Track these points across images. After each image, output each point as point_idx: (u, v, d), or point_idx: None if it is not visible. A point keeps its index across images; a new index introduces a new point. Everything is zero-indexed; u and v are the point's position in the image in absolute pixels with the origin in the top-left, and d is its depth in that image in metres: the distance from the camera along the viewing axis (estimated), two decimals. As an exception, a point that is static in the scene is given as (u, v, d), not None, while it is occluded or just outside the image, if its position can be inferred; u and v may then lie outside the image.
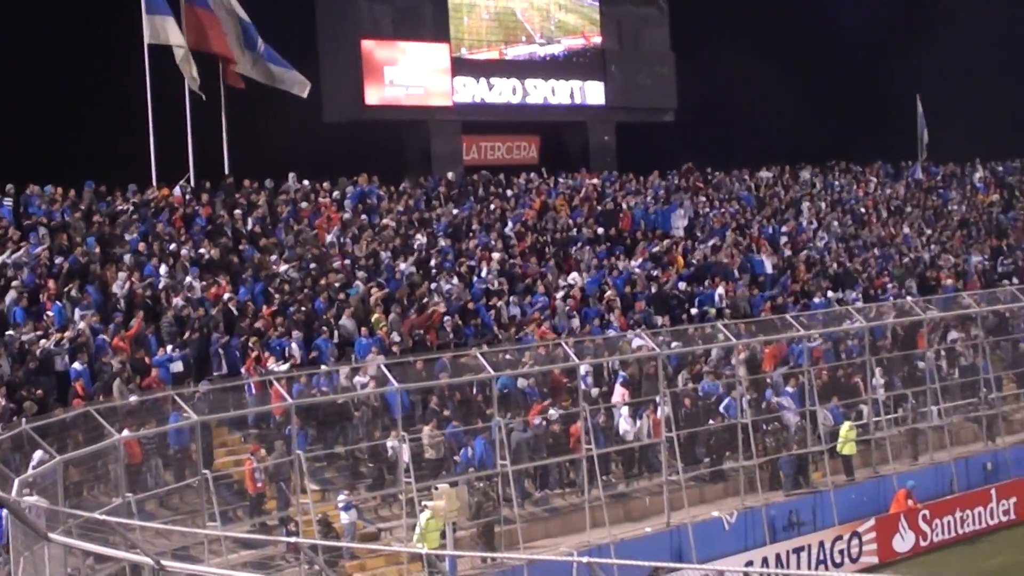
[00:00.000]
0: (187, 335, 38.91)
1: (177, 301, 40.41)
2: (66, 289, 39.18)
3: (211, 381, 37.38)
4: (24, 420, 31.49)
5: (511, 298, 46.54)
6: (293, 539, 28.04)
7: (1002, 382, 50.50)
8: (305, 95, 51.42)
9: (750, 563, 37.58)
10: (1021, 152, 75.91)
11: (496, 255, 49.20)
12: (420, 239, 49.56)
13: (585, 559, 26.73)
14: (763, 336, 45.43)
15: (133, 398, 34.49)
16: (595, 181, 60.03)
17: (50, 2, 52.04)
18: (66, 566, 22.06)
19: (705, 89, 66.79)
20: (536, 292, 47.46)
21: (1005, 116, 73.70)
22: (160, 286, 41.24)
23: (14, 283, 38.49)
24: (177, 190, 47.90)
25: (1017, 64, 73.03)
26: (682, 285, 50.73)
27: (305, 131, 55.33)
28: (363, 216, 50.69)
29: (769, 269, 54.26)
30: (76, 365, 35.71)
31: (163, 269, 42.53)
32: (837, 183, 68.09)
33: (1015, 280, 57.96)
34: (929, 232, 63.79)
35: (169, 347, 38.03)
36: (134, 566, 22.65)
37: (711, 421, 42.40)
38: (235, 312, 40.86)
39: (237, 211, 47.96)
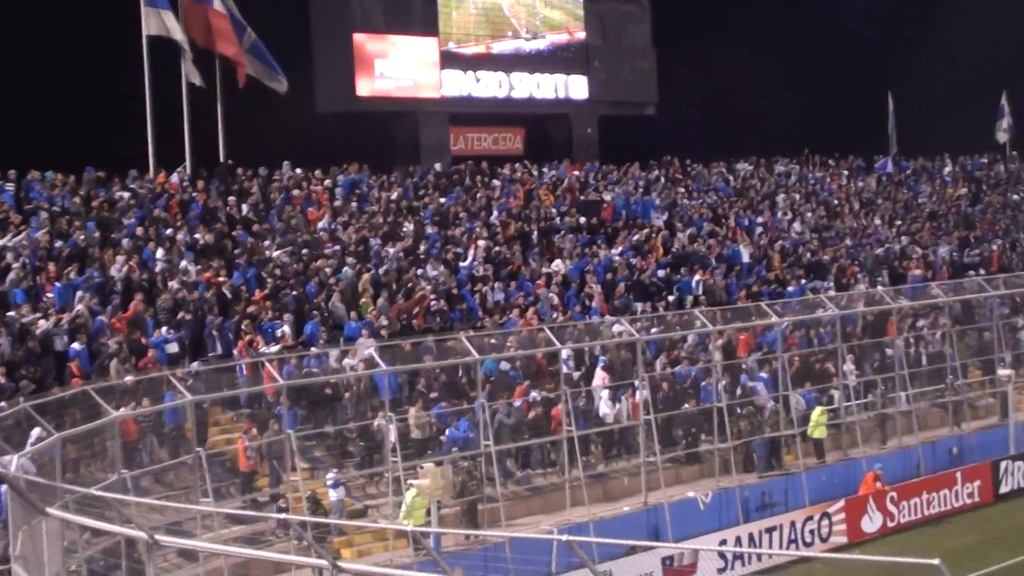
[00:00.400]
0: (182, 317, 38.85)
1: (173, 284, 40.38)
2: (66, 272, 39.13)
3: (205, 362, 37.40)
4: (22, 398, 31.48)
5: (496, 284, 46.55)
6: (283, 515, 27.93)
7: (968, 369, 50.59)
8: (283, 92, 51.25)
9: (724, 542, 37.62)
10: (988, 148, 76.11)
11: (482, 242, 49.23)
12: (408, 226, 49.56)
13: (564, 537, 26.83)
14: (738, 323, 45.44)
15: (129, 378, 34.45)
16: (578, 172, 60.09)
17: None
18: (63, 539, 22.03)
19: (685, 84, 66.83)
20: (520, 278, 47.49)
21: (974, 114, 74.02)
22: (157, 270, 41.24)
23: (14, 265, 38.43)
24: (175, 177, 47.83)
25: (986, 64, 73.03)
26: (661, 273, 50.78)
27: (298, 121, 55.33)
28: (353, 204, 50.72)
29: (746, 258, 54.31)
30: (75, 345, 35.67)
31: (160, 253, 42.51)
32: (811, 176, 68.19)
33: (981, 271, 58.08)
34: (899, 224, 63.84)
35: (165, 329, 38.00)
36: (129, 540, 22.66)
37: (687, 404, 42.36)
38: (229, 295, 40.86)
39: (231, 198, 47.96)
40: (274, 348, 38.30)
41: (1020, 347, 52.99)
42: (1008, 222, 67.19)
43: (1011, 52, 73.19)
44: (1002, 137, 76.32)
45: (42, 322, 36.03)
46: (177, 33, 48.66)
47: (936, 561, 13.05)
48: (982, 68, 73.03)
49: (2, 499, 26.81)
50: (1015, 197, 71.22)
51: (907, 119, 74.36)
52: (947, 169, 73.43)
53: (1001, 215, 68.13)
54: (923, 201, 68.23)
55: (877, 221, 63.51)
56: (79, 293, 38.14)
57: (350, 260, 45.16)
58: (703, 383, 42.88)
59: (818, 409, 44.16)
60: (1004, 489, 45.50)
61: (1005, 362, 50.89)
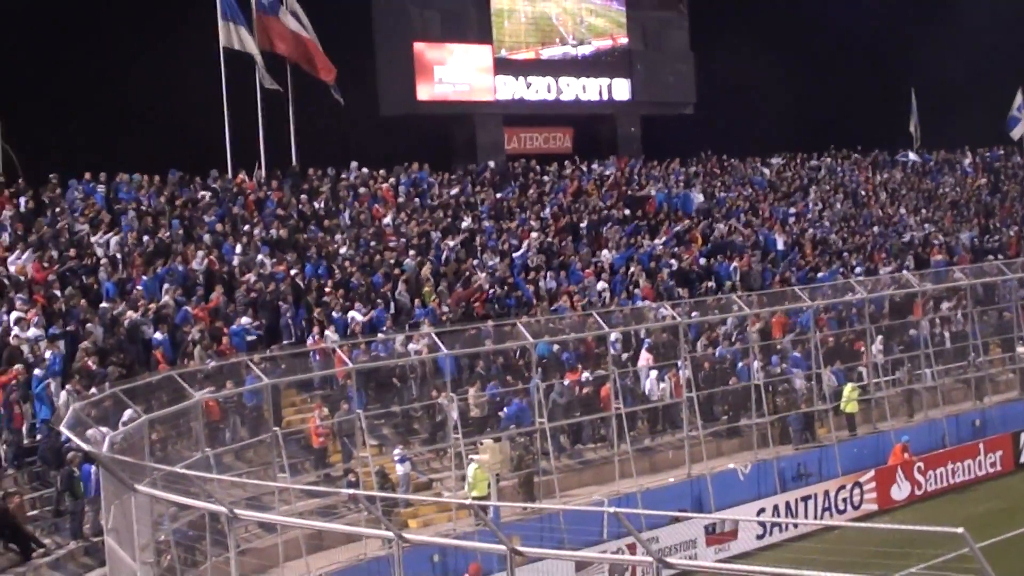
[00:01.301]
0: (259, 307, 38.95)
1: (250, 276, 40.49)
2: (152, 266, 39.29)
3: (281, 348, 37.48)
4: (108, 384, 31.62)
5: (548, 273, 46.51)
6: (352, 491, 28.01)
7: (989, 347, 50.26)
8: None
9: (762, 510, 37.50)
10: (1006, 141, 75.54)
11: (534, 234, 49.20)
12: (466, 220, 49.56)
13: (612, 509, 26.79)
14: (773, 306, 45.28)
15: (211, 363, 34.57)
16: (623, 168, 59.97)
17: (137, 10, 52.08)
18: (152, 513, 22.12)
19: (721, 84, 66.62)
20: (570, 267, 47.43)
21: (994, 108, 73.54)
22: (235, 263, 41.37)
23: (103, 262, 38.60)
24: (252, 175, 48.05)
25: (1004, 60, 72.45)
26: (701, 261, 50.66)
27: (364, 124, 55.53)
28: (415, 200, 50.72)
29: (780, 246, 54.13)
30: (158, 335, 35.78)
31: (238, 248, 42.64)
32: (840, 169, 67.84)
33: (1000, 255, 57.71)
34: (923, 212, 63.48)
35: (244, 318, 38.07)
36: (212, 513, 22.72)
37: (727, 382, 42.29)
38: (301, 286, 40.92)
39: (303, 196, 48.06)
40: (333, 337, 38.33)
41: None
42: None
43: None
44: (1017, 133, 75.52)
45: (131, 313, 36.17)
46: (250, 46, 48.86)
47: (960, 530, 12.87)
48: (999, 65, 72.36)
49: (96, 476, 26.96)
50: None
51: (928, 114, 73.86)
52: (967, 161, 72.91)
53: (1019, 203, 67.60)
54: (945, 191, 67.77)
55: (902, 210, 63.13)
56: (164, 285, 38.31)
57: (412, 252, 45.18)
58: (741, 363, 42.73)
59: (849, 385, 43.94)
60: (1024, 459, 45.28)
61: (1024, 340, 50.63)
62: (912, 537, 36.50)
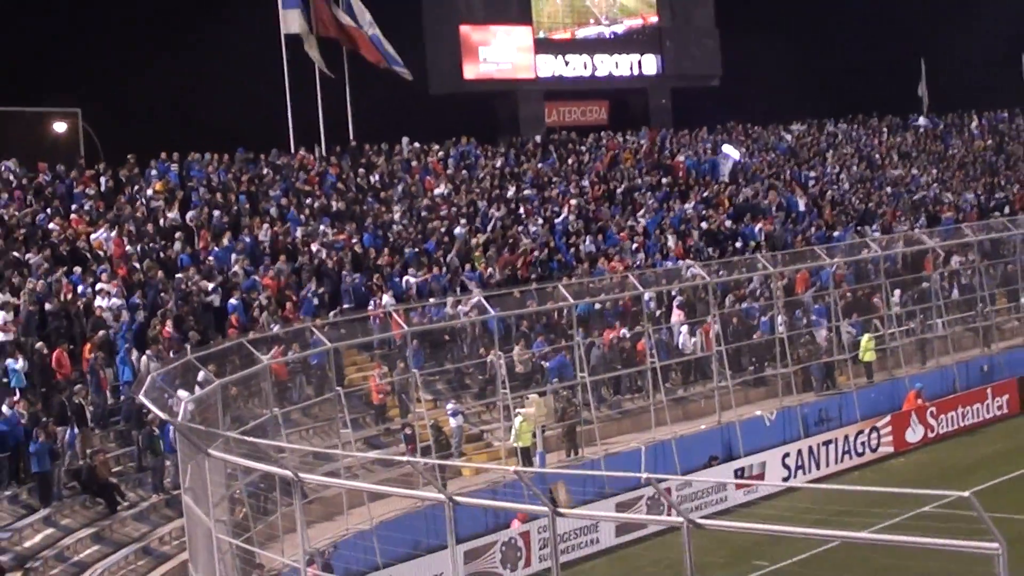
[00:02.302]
0: (321, 274, 38.88)
1: (313, 246, 40.41)
2: (222, 238, 39.28)
3: (342, 312, 37.39)
4: (188, 348, 31.65)
5: (587, 237, 46.29)
6: (408, 459, 27.85)
7: (995, 298, 49.84)
8: (408, 79, 51.30)
9: (787, 455, 37.23)
10: (1010, 104, 74.79)
11: (574, 201, 48.98)
12: (511, 190, 49.36)
13: (644, 475, 26.51)
14: (796, 264, 44.98)
15: (276, 328, 34.52)
16: (654, 137, 59.65)
17: (205, 2, 52.25)
18: (225, 472, 22.08)
19: (744, 58, 66.12)
20: (608, 231, 47.20)
21: (998, 73, 72.88)
22: (298, 234, 41.29)
23: (177, 235, 38.62)
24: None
25: (1009, 29, 71.65)
26: (728, 223, 50.32)
27: (415, 102, 55.60)
28: (463, 171, 50.55)
29: (801, 208, 53.72)
30: (231, 301, 35.75)
31: (301, 219, 42.57)
32: (856, 134, 67.29)
33: (1006, 211, 57.20)
34: (934, 173, 62.91)
35: (307, 284, 37.99)
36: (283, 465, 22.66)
37: (754, 336, 42.02)
38: (360, 254, 40.81)
39: (360, 170, 47.94)
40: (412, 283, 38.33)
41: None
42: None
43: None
44: None
45: (203, 282, 36.15)
46: (306, 30, 48.80)
47: (967, 493, 12.56)
48: (1005, 34, 71.58)
49: (171, 437, 26.95)
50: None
51: (938, 80, 73.20)
52: (974, 124, 72.20)
53: (1022, 163, 66.92)
54: (953, 152, 67.13)
55: (914, 171, 62.56)
56: (234, 256, 38.28)
57: (462, 221, 45.03)
58: (766, 317, 42.45)
59: (866, 336, 43.62)
60: (1030, 401, 44.90)
61: (1028, 290, 50.24)
62: (926, 475, 36.50)
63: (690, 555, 13.90)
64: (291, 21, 48.78)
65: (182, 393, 25.93)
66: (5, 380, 29.29)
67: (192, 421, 22.91)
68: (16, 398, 28.59)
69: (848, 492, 20.79)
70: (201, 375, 28.05)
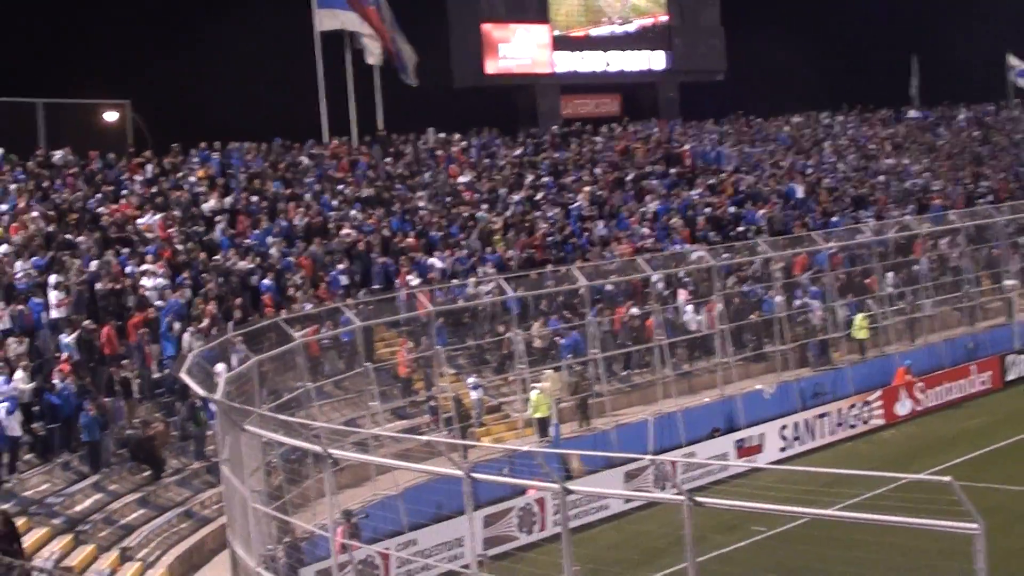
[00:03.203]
0: (353, 256, 38.79)
1: (345, 230, 40.30)
2: (260, 221, 39.21)
3: (371, 292, 37.32)
4: (232, 325, 31.62)
5: (600, 222, 46.12)
6: (428, 439, 27.70)
7: (980, 280, 49.51)
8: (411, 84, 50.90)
9: (785, 426, 37.02)
10: (996, 97, 74.41)
11: (588, 188, 48.78)
12: (529, 177, 49.18)
13: (648, 457, 26.28)
14: (794, 248, 44.75)
15: (309, 306, 34.46)
16: (664, 128, 59.43)
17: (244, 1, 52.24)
18: (260, 446, 22.01)
19: (748, 54, 65.84)
20: (619, 216, 47.02)
21: (983, 68, 72.58)
22: (331, 217, 41.19)
23: (218, 219, 38.57)
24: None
25: (994, 27, 71.28)
26: (732, 208, 50.10)
27: (440, 95, 55.50)
28: (485, 160, 50.41)
29: (800, 194, 53.43)
30: (266, 281, 35.68)
31: (333, 204, 42.48)
32: (851, 125, 66.95)
33: (990, 199, 56.88)
34: (924, 162, 62.55)
35: (339, 265, 37.92)
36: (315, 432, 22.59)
37: (754, 315, 41.84)
38: (389, 237, 40.70)
39: (389, 158, 47.82)
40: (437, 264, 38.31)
41: (1022, 261, 51.77)
42: (1012, 159, 65.59)
43: (1013, 17, 71.66)
44: (1017, 82, 74.36)
45: (242, 263, 36.10)
46: (352, 25, 48.66)
47: (948, 479, 12.40)
48: (991, 33, 71.20)
49: (212, 411, 26.89)
50: (1017, 137, 69.54)
51: (928, 74, 72.80)
52: (962, 115, 71.76)
53: (1006, 153, 66.53)
54: (942, 143, 66.71)
55: (906, 161, 62.20)
56: (270, 239, 38.21)
57: (484, 206, 44.88)
58: (766, 297, 42.26)
59: (860, 315, 43.42)
60: (1010, 377, 44.43)
61: (1010, 273, 49.77)
62: (914, 446, 36.27)
63: (690, 531, 13.78)
64: (326, 19, 48.62)
65: (220, 368, 25.92)
66: (58, 355, 29.26)
67: (230, 395, 22.86)
68: (67, 370, 28.54)
69: (833, 474, 20.57)
70: (239, 353, 28.04)
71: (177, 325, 32.00)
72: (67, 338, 29.51)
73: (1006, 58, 74.10)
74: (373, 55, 49.55)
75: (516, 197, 46.29)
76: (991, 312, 49.30)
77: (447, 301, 37.09)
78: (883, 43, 72.53)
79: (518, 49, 59.08)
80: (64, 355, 29.04)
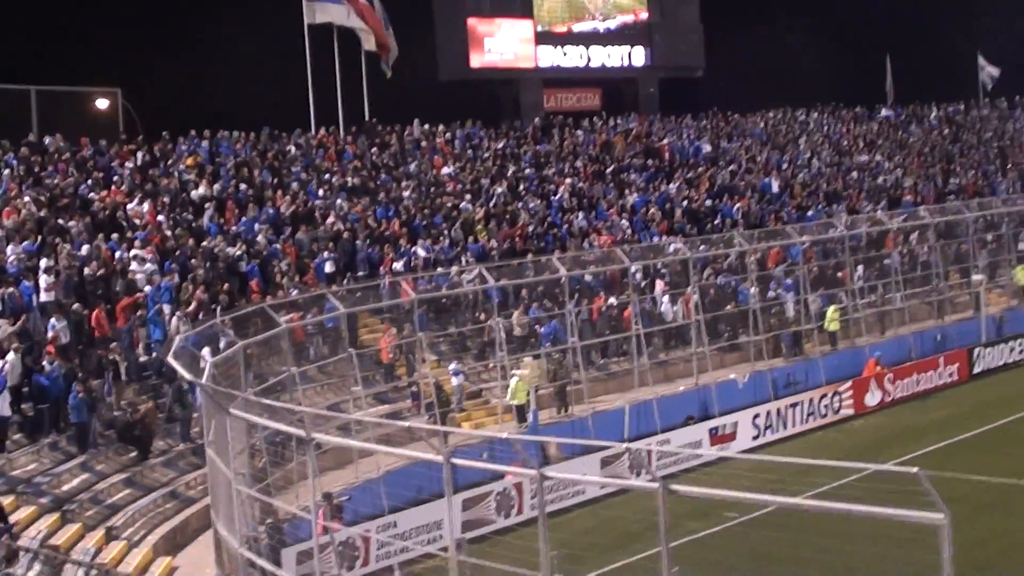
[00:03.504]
0: (338, 244, 38.66)
1: (330, 217, 40.17)
2: (247, 208, 39.06)
3: (356, 279, 37.21)
4: (218, 310, 31.48)
5: (580, 213, 46.04)
6: (411, 424, 27.63)
7: (949, 274, 49.62)
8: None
9: (758, 415, 37.06)
10: (965, 96, 74.55)
11: (568, 180, 48.72)
12: (511, 169, 49.09)
13: (624, 445, 26.09)
14: (769, 241, 44.75)
15: (295, 292, 34.34)
16: (643, 123, 59.37)
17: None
18: (245, 429, 21.90)
19: (726, 51, 65.76)
20: (599, 208, 46.95)
21: (954, 67, 72.69)
22: (317, 205, 41.04)
23: (206, 206, 38.41)
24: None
25: (965, 28, 71.43)
26: (708, 202, 50.07)
27: (425, 87, 55.41)
28: (469, 152, 50.28)
29: (775, 189, 53.43)
30: (253, 268, 35.53)
31: (320, 193, 42.34)
32: (825, 122, 66.96)
33: (960, 196, 56.96)
34: (896, 159, 62.61)
35: (325, 253, 37.80)
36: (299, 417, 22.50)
37: (729, 306, 41.82)
38: (373, 226, 40.58)
39: (375, 148, 47.68)
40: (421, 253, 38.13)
41: (989, 256, 52.01)
42: (980, 157, 65.71)
43: (984, 19, 71.78)
44: (988, 83, 74.51)
45: (229, 249, 35.96)
46: (340, 19, 48.44)
47: (915, 469, 12.36)
48: (962, 33, 71.37)
49: (197, 395, 26.77)
50: (987, 135, 69.67)
51: (901, 73, 72.83)
52: (933, 114, 71.83)
53: (975, 151, 66.63)
54: (913, 141, 66.77)
55: (878, 158, 62.24)
56: (257, 226, 38.06)
57: (467, 197, 44.77)
58: (741, 289, 42.26)
59: (832, 307, 43.46)
60: (978, 370, 44.61)
61: (978, 268, 49.91)
62: (884, 435, 36.29)
63: (663, 517, 13.75)
64: (316, 12, 48.39)
65: (206, 353, 25.81)
66: (52, 334, 29.11)
67: (216, 379, 22.76)
68: (53, 351, 28.39)
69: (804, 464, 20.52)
70: (226, 337, 27.92)
71: (167, 308, 31.85)
72: (56, 322, 29.34)
73: (977, 58, 74.18)
74: (369, 43, 49.39)
75: (499, 188, 46.16)
76: (959, 306, 49.43)
77: (430, 289, 36.97)
78: (858, 42, 72.49)
79: (502, 43, 58.98)
80: (51, 334, 28.88)
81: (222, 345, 27.38)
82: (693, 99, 64.38)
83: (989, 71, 74.07)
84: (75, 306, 30.27)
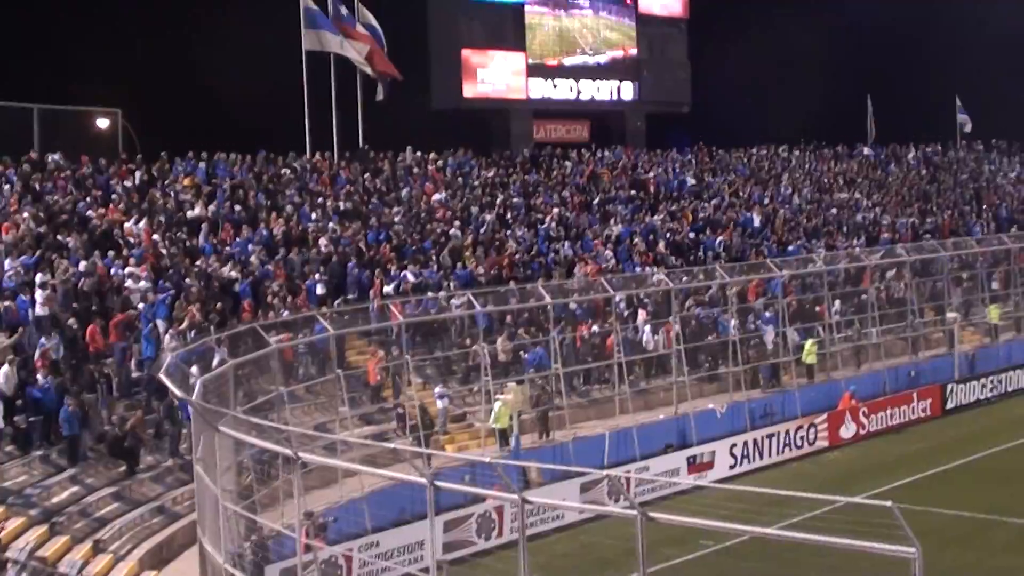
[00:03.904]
0: (329, 266, 38.57)
1: (322, 240, 40.11)
2: (242, 230, 38.99)
3: (346, 301, 37.13)
4: (212, 328, 31.36)
5: (566, 242, 46.03)
6: (396, 446, 27.55)
7: (924, 311, 49.79)
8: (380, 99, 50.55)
9: (735, 445, 37.05)
10: (943, 138, 74.82)
11: (556, 210, 48.72)
12: (500, 197, 49.08)
13: (605, 472, 25.96)
14: (750, 274, 44.79)
15: (286, 313, 34.26)
16: (630, 155, 59.46)
17: (233, 19, 51.98)
18: (233, 447, 21.83)
19: (712, 88, 66.05)
20: (584, 238, 46.95)
21: (932, 109, 73.04)
22: (310, 229, 40.97)
23: (201, 227, 38.34)
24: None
25: (944, 71, 71.78)
26: (691, 235, 50.10)
27: (418, 115, 55.42)
28: (459, 179, 50.28)
29: (756, 223, 53.48)
30: (245, 289, 35.42)
31: (313, 216, 42.28)
32: (807, 159, 67.13)
33: (936, 236, 57.11)
34: (874, 197, 62.77)
35: (316, 275, 37.71)
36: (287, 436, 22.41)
37: (709, 337, 41.80)
38: (364, 250, 40.51)
39: (367, 174, 47.68)
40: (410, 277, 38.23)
41: (963, 294, 52.13)
42: (956, 197, 65.90)
43: (963, 64, 72.20)
44: (966, 127, 74.82)
45: (223, 270, 35.87)
46: (334, 48, 48.41)
47: (888, 503, 12.37)
48: (942, 75, 71.74)
49: (189, 411, 26.66)
50: (963, 177, 69.91)
51: (881, 114, 73.11)
52: (911, 154, 72.05)
53: (951, 192, 66.84)
54: (891, 180, 66.95)
55: (858, 195, 62.40)
56: (251, 247, 37.98)
57: (456, 223, 44.75)
58: (721, 320, 42.25)
59: (809, 340, 43.45)
60: (950, 405, 44.72)
61: (952, 306, 50.08)
62: (858, 467, 36.25)
63: (642, 545, 13.71)
64: (311, 40, 48.36)
65: (195, 371, 25.72)
66: (42, 350, 28.98)
67: (206, 397, 22.67)
68: (42, 365, 28.28)
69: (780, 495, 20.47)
70: (217, 357, 27.85)
71: (161, 325, 31.73)
72: (46, 339, 29.20)
73: (955, 101, 74.51)
74: (366, 67, 49.40)
75: (488, 216, 46.14)
76: (933, 343, 49.49)
77: (418, 313, 36.89)
78: (841, 82, 72.74)
79: (495, 75, 59.08)
80: (39, 350, 28.75)
81: (213, 363, 27.31)
82: (679, 134, 64.66)
83: (960, 119, 74.38)
84: (70, 321, 30.15)
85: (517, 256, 43.25)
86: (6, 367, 27.25)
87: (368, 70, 49.21)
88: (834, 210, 59.01)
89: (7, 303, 29.60)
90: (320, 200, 43.87)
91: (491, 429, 34.32)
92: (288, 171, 45.53)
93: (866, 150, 70.95)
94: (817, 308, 45.56)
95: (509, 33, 59.78)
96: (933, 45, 73.25)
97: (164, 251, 35.97)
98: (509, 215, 47.30)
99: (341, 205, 43.88)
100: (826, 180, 64.08)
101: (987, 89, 70.94)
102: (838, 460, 38.20)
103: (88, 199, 38.07)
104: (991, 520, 29.01)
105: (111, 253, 34.46)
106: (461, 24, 58.63)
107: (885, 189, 64.84)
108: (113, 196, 39.01)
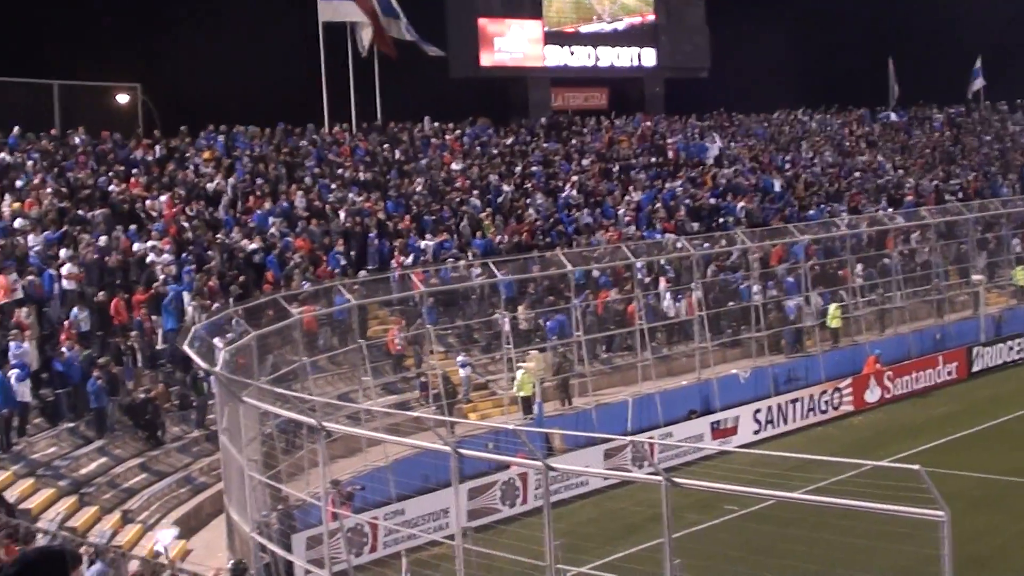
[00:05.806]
0: (350, 237, 38.67)
1: (342, 212, 40.20)
2: (262, 202, 39.10)
3: (367, 272, 37.24)
4: (231, 301, 31.53)
5: (586, 210, 46.03)
6: (419, 414, 27.62)
7: (948, 274, 49.59)
8: (437, 54, 50.98)
9: (759, 410, 37.09)
10: (965, 99, 74.35)
11: (575, 177, 48.70)
12: (519, 166, 49.08)
13: (629, 439, 26.11)
14: (772, 240, 44.71)
15: (307, 284, 34.40)
16: (649, 123, 59.32)
17: None
18: (257, 412, 21.95)
19: (731, 52, 65.78)
20: (604, 205, 46.93)
21: (956, 70, 72.59)
22: (330, 200, 41.05)
23: (222, 199, 38.46)
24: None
25: (966, 33, 71.25)
26: (712, 200, 50.02)
27: (436, 85, 55.28)
28: (478, 149, 50.29)
29: (777, 188, 53.35)
30: (268, 258, 35.56)
31: (332, 187, 42.36)
32: (828, 123, 66.86)
33: (960, 196, 56.89)
34: (897, 159, 62.52)
35: (337, 246, 37.81)
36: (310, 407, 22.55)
37: (732, 302, 41.82)
38: (385, 220, 40.59)
39: (386, 144, 47.71)
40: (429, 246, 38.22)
41: (989, 256, 51.92)
42: (981, 158, 65.59)
43: (985, 24, 71.65)
44: (974, 84, 74.31)
45: (245, 242, 36.00)
46: (353, 16, 48.44)
47: (916, 467, 12.38)
48: (965, 39, 71.20)
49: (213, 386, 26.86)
50: (987, 138, 69.55)
51: (904, 77, 72.70)
52: (935, 116, 71.67)
53: (976, 153, 66.51)
54: (915, 142, 66.66)
55: (880, 158, 62.15)
56: (271, 219, 38.10)
57: (475, 192, 44.78)
58: (743, 286, 42.23)
59: (833, 305, 43.42)
60: (976, 368, 44.62)
61: (977, 268, 49.87)
62: (882, 428, 36.24)
63: (667, 510, 13.77)
64: (328, 11, 48.38)
65: (219, 343, 25.87)
66: (67, 323, 29.20)
67: (230, 368, 22.82)
68: (68, 338, 28.49)
69: (808, 459, 20.47)
70: (240, 328, 27.98)
71: (186, 297, 31.89)
72: (79, 311, 29.42)
73: (977, 61, 74.02)
74: (363, 45, 49.30)
75: (507, 185, 46.16)
76: (958, 305, 49.34)
77: (439, 283, 36.96)
78: (862, 45, 72.37)
79: (512, 43, 59.01)
80: (67, 323, 28.97)
81: (236, 335, 27.46)
82: (698, 99, 64.27)
83: (975, 82, 73.80)
84: (99, 295, 30.38)
85: (537, 224, 43.25)
86: (31, 341, 27.45)
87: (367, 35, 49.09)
88: (856, 173, 58.77)
89: (32, 278, 29.77)
90: (339, 171, 43.95)
91: (514, 397, 34.45)
92: (307, 143, 45.58)
93: (893, 116, 70.52)
94: (840, 272, 45.49)
95: (526, 1, 59.69)
96: (955, 5, 72.66)
97: (185, 224, 36.08)
98: (528, 184, 47.29)
99: (360, 176, 43.93)
100: (848, 143, 63.83)
101: (1013, 48, 70.41)
102: (863, 424, 38.19)
103: (110, 174, 38.21)
104: (1019, 483, 28.97)
105: (133, 227, 34.60)
106: (479, -8, 58.68)
107: (908, 152, 64.54)
108: (134, 171, 39.14)
